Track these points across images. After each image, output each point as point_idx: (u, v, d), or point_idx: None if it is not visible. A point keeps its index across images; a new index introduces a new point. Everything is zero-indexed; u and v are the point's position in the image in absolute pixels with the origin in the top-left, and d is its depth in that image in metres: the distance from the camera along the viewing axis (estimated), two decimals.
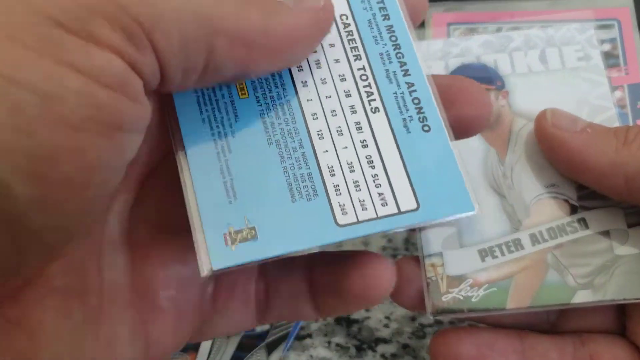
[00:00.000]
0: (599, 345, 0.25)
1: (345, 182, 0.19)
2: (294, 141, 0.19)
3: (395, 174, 0.19)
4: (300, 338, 0.31)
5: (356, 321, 0.32)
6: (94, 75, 0.13)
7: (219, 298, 0.22)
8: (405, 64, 0.20)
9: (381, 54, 0.20)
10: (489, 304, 0.24)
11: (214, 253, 0.17)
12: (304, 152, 0.19)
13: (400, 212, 0.19)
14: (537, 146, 0.25)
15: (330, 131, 0.19)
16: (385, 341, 0.31)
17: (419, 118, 0.20)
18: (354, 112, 0.20)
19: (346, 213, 0.18)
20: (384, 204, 0.19)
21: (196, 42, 0.15)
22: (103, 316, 0.18)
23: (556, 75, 0.27)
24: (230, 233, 0.17)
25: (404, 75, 0.20)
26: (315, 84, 0.20)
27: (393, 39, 0.20)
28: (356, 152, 0.19)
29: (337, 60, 0.20)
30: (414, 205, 0.19)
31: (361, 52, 0.20)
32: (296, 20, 0.17)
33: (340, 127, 0.19)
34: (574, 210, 0.25)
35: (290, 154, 0.19)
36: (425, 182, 0.19)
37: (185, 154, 0.18)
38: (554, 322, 0.26)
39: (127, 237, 0.19)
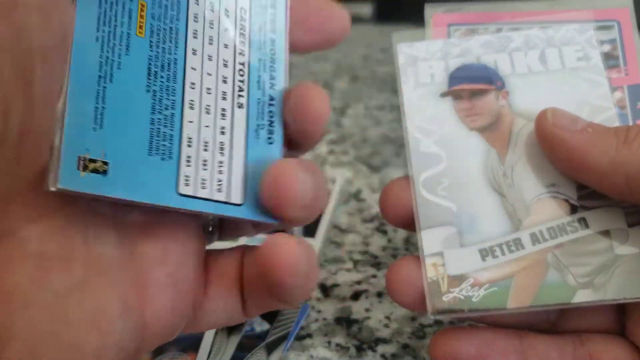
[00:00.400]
0: (599, 345, 0.25)
1: (197, 156, 0.20)
2: (168, 99, 0.20)
3: (236, 168, 0.21)
4: (300, 338, 0.31)
5: (356, 321, 0.32)
6: None
7: (209, 283, 0.22)
8: (274, 78, 0.22)
9: (260, 60, 0.22)
10: (489, 303, 0.24)
11: (64, 172, 0.17)
12: (173, 113, 0.20)
13: (227, 202, 0.21)
14: (538, 146, 0.25)
15: (200, 105, 0.20)
16: (385, 341, 0.31)
17: (268, 130, 0.22)
18: (224, 99, 0.21)
19: (188, 185, 0.20)
20: (219, 190, 0.20)
21: None
22: (89, 287, 0.18)
23: (556, 76, 0.27)
24: (84, 159, 0.18)
25: (270, 87, 0.22)
26: (202, 57, 0.21)
27: (272, 51, 0.22)
28: (214, 135, 0.21)
29: (226, 46, 0.22)
30: (240, 201, 0.21)
31: (246, 50, 0.22)
32: None
33: (209, 106, 0.21)
34: (574, 210, 0.25)
35: (162, 109, 0.20)
36: (255, 185, 0.21)
37: (70, 62, 0.18)
38: (553, 322, 0.26)
39: (116, 214, 0.19)
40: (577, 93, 0.26)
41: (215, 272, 0.22)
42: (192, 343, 0.29)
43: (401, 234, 0.42)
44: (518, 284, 0.25)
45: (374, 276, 0.37)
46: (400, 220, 0.26)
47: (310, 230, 0.41)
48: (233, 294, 0.22)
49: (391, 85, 0.70)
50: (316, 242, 0.39)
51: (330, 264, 0.38)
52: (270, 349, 0.30)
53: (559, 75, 0.27)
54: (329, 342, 0.31)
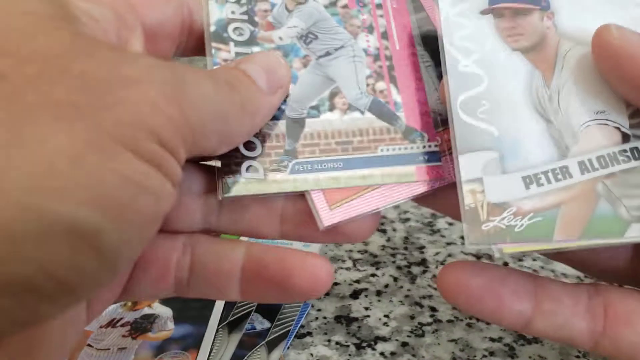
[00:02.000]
0: (613, 295, 0.24)
1: None
2: None
3: None
4: (300, 336, 0.31)
5: (356, 319, 0.33)
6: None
7: (136, 267, 0.22)
8: None
9: None
10: (534, 234, 0.22)
11: None
12: None
13: None
14: (587, 70, 0.24)
15: None
16: (384, 339, 0.31)
17: None
18: None
19: None
20: None
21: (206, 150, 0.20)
22: None
23: None
24: None
25: None
26: None
27: None
28: None
29: None
30: None
31: None
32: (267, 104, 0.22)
33: None
34: (626, 138, 0.23)
35: None
36: None
37: None
38: (585, 257, 0.26)
39: None
40: (629, 17, 0.24)
41: (140, 263, 0.22)
42: (193, 341, 0.29)
43: (400, 233, 0.42)
44: (565, 214, 0.23)
45: (374, 275, 0.37)
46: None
47: None
48: (165, 279, 0.23)
49: None
50: None
51: (330, 262, 0.38)
52: (271, 347, 0.30)
53: None
54: (329, 341, 0.31)
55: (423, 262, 0.38)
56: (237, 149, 0.23)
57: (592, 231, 0.23)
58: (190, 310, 0.32)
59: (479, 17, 0.26)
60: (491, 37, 0.26)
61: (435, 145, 0.25)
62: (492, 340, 0.31)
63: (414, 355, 0.30)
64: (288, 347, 0.30)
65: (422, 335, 0.31)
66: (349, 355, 0.30)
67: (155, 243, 0.22)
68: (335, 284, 0.36)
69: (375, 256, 0.39)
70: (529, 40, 0.25)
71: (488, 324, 0.32)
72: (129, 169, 0.16)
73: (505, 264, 0.37)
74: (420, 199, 0.25)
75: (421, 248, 0.40)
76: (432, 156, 0.25)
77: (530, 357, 0.29)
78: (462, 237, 0.41)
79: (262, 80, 0.22)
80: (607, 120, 0.24)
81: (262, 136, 0.23)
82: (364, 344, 0.31)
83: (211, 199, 0.23)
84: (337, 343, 0.31)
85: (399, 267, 0.38)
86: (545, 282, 0.24)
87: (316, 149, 0.24)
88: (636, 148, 0.23)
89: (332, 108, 0.25)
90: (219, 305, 0.32)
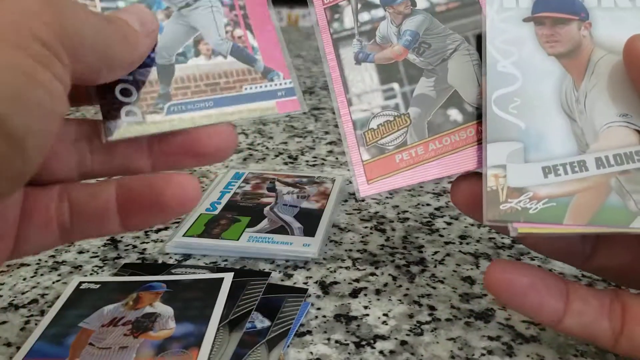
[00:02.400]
0: (630, 299, 0.26)
1: None
2: None
3: None
4: (300, 335, 0.31)
5: (355, 318, 0.33)
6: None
7: (19, 224, 0.24)
8: None
9: None
10: (546, 217, 0.25)
11: None
12: None
13: None
14: (615, 77, 0.26)
15: None
16: (383, 338, 0.31)
17: None
18: None
19: None
20: None
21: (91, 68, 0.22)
22: None
23: None
24: None
25: None
26: None
27: None
28: None
29: None
30: None
31: None
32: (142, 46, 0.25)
33: None
34: None
35: None
36: None
37: None
38: (588, 255, 0.29)
39: None
40: None
41: (25, 210, 0.24)
42: (194, 340, 0.30)
43: (399, 232, 0.43)
44: (578, 202, 0.25)
45: (373, 274, 0.37)
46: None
47: (309, 229, 0.41)
48: (49, 227, 0.24)
49: None
50: (315, 240, 0.39)
51: (330, 262, 0.39)
52: (271, 345, 0.30)
53: None
54: (329, 339, 0.31)
55: (422, 262, 0.39)
56: (114, 96, 0.25)
57: (600, 219, 0.25)
58: (191, 309, 0.32)
59: (521, 23, 0.29)
60: (530, 42, 0.28)
61: (290, 82, 0.28)
62: (491, 339, 0.31)
63: (412, 354, 0.30)
64: (288, 346, 0.31)
65: (421, 334, 0.32)
66: (348, 353, 0.30)
67: (33, 195, 0.24)
68: (335, 283, 0.36)
69: (375, 255, 0.39)
70: (565, 47, 0.28)
71: (486, 322, 0.32)
72: (18, 62, 0.18)
73: None
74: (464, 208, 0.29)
75: (420, 247, 0.40)
76: (288, 91, 0.28)
77: (528, 356, 0.30)
78: (461, 237, 0.42)
79: (136, 24, 0.24)
80: (629, 122, 0.26)
81: (136, 83, 0.26)
82: (363, 343, 0.31)
83: (83, 144, 0.25)
84: (336, 342, 0.31)
85: (397, 267, 0.38)
86: (575, 285, 0.27)
87: (188, 91, 0.27)
88: None
89: (197, 54, 0.28)
90: (220, 304, 0.33)
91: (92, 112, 0.66)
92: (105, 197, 0.25)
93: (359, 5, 0.32)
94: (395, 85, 0.30)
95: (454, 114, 0.29)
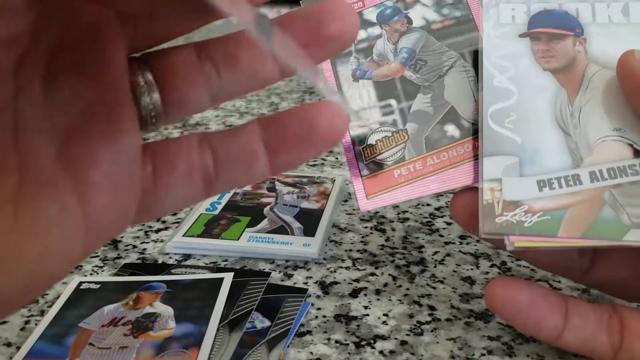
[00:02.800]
0: (629, 313, 0.27)
1: None
2: None
3: None
4: (300, 335, 0.31)
5: (355, 318, 0.33)
6: None
7: (159, 173, 0.21)
8: None
9: None
10: (541, 230, 0.25)
11: None
12: None
13: None
14: (609, 91, 0.27)
15: None
16: (383, 338, 0.31)
17: None
18: None
19: None
20: None
21: None
22: (23, 196, 0.17)
23: (637, 28, 0.28)
24: None
25: None
26: None
27: None
28: None
29: None
30: None
31: None
32: None
33: None
34: (637, 154, 0.26)
35: None
36: None
37: None
38: (585, 270, 0.29)
39: (46, 121, 0.19)
40: None
41: (165, 158, 0.22)
42: (194, 340, 0.30)
43: (399, 232, 0.43)
44: (572, 215, 0.25)
45: (373, 274, 0.37)
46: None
47: (309, 229, 0.41)
48: (192, 177, 0.22)
49: None
50: (316, 240, 0.39)
51: (330, 262, 0.39)
52: (271, 345, 0.30)
53: None
54: (329, 339, 0.31)
55: (422, 262, 0.39)
56: None
57: (594, 232, 0.25)
58: (192, 309, 0.32)
59: (517, 39, 0.29)
60: (526, 57, 0.29)
61: None
62: (491, 339, 0.31)
63: (412, 354, 0.30)
64: (288, 346, 0.31)
65: (421, 334, 0.32)
66: (349, 353, 0.30)
67: (172, 145, 0.22)
68: (335, 283, 0.36)
69: (375, 255, 0.39)
70: (560, 62, 0.28)
71: (486, 322, 0.32)
72: None
73: (503, 262, 0.38)
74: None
75: (420, 247, 0.40)
76: None
77: (528, 356, 0.30)
78: (461, 237, 0.42)
79: None
80: (622, 137, 0.26)
81: None
82: (363, 343, 0.31)
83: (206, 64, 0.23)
84: (336, 342, 0.31)
85: (397, 267, 0.38)
86: (574, 300, 0.27)
87: None
88: None
89: None
90: (220, 304, 0.33)
91: None
92: (250, 138, 0.22)
93: None
94: (393, 102, 0.31)
95: (451, 130, 0.30)
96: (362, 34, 0.32)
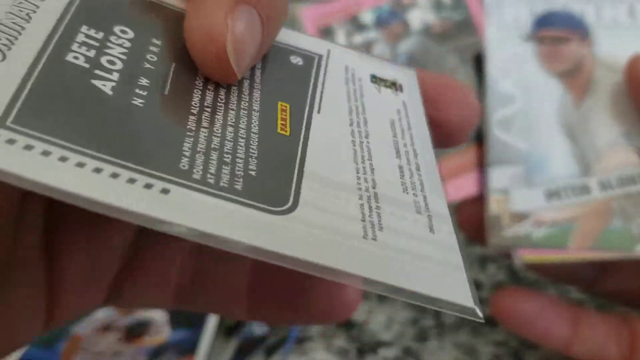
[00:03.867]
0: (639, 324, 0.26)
1: None
2: None
3: None
4: (300, 341, 0.31)
5: (357, 324, 0.32)
6: None
7: (133, 276, 0.20)
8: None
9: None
10: (550, 242, 0.25)
11: None
12: None
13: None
14: (616, 95, 0.26)
15: None
16: (387, 344, 0.31)
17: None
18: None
19: None
20: None
21: None
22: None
23: None
24: None
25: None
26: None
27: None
28: None
29: None
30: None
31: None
32: None
33: None
34: None
35: None
36: None
37: None
38: (594, 279, 0.29)
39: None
40: None
41: (144, 264, 0.20)
42: (189, 346, 0.29)
43: None
44: (581, 227, 0.25)
45: None
46: None
47: None
48: (163, 290, 0.20)
49: None
50: None
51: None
52: (270, 352, 0.30)
53: None
54: (330, 346, 0.30)
55: None
56: None
57: (604, 244, 0.25)
58: (187, 315, 0.32)
59: (521, 42, 0.29)
60: (530, 61, 0.28)
61: None
62: (498, 344, 0.31)
63: None
64: (287, 353, 0.30)
65: (426, 340, 0.31)
66: None
67: (157, 248, 0.21)
68: None
69: None
70: (566, 65, 0.28)
71: (493, 327, 0.32)
72: None
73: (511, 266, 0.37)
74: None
75: None
76: None
77: None
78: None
79: None
80: (630, 143, 0.26)
81: None
82: (366, 349, 0.30)
83: None
84: (338, 348, 0.30)
85: None
86: (584, 310, 0.27)
87: None
88: None
89: None
90: None
91: None
92: (235, 278, 0.20)
93: (352, 27, 0.32)
94: None
95: None
96: (358, 39, 0.32)
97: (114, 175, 0.12)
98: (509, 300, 0.27)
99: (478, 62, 0.30)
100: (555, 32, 0.29)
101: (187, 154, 0.13)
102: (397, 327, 0.32)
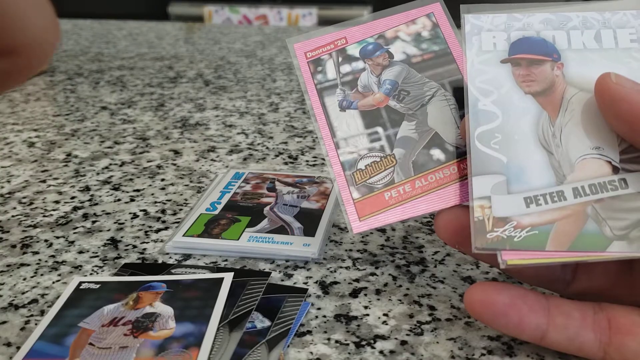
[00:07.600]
0: (615, 310, 0.28)
1: None
2: None
3: None
4: (300, 335, 0.31)
5: (355, 318, 0.33)
6: None
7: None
8: None
9: None
10: (530, 244, 0.27)
11: None
12: None
13: None
14: (587, 113, 0.29)
15: None
16: (383, 338, 0.31)
17: None
18: None
19: None
20: None
21: None
22: None
23: (609, 53, 0.31)
24: None
25: None
26: None
27: None
28: None
29: None
30: None
31: None
32: None
33: None
34: (615, 171, 0.28)
35: None
36: None
37: None
38: (568, 281, 0.30)
39: None
40: (627, 69, 0.30)
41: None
42: (194, 340, 0.30)
43: (399, 232, 0.43)
44: (558, 229, 0.27)
45: (373, 274, 0.37)
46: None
47: (309, 229, 0.41)
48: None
49: None
50: (316, 240, 0.39)
51: (330, 262, 0.39)
52: (271, 345, 0.30)
53: (612, 53, 0.31)
54: (329, 339, 0.31)
55: (422, 262, 0.39)
56: None
57: (579, 245, 0.27)
58: (191, 309, 0.32)
59: (499, 65, 0.31)
60: (508, 82, 0.31)
61: None
62: (491, 338, 0.31)
63: (412, 354, 0.30)
64: (288, 346, 0.31)
65: (421, 334, 0.32)
66: (349, 353, 0.30)
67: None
68: (335, 283, 0.36)
69: (375, 255, 0.39)
70: (540, 85, 0.30)
71: None
72: None
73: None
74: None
75: (420, 247, 0.40)
76: None
77: (528, 356, 0.30)
78: None
79: None
80: (601, 155, 0.28)
81: None
82: (363, 343, 0.31)
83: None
84: (336, 341, 0.31)
85: (398, 267, 0.38)
86: (557, 299, 0.28)
87: None
88: (624, 179, 0.28)
89: None
90: (220, 304, 0.33)
91: None
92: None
93: (340, 58, 0.35)
94: (379, 129, 0.33)
95: (437, 154, 0.32)
96: (346, 68, 0.35)
97: None
98: (481, 294, 0.28)
99: (459, 92, 0.33)
100: (530, 55, 0.31)
101: None
102: (394, 321, 0.33)
